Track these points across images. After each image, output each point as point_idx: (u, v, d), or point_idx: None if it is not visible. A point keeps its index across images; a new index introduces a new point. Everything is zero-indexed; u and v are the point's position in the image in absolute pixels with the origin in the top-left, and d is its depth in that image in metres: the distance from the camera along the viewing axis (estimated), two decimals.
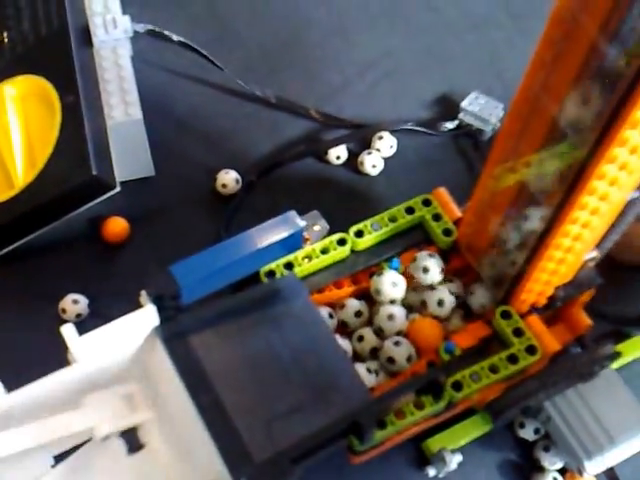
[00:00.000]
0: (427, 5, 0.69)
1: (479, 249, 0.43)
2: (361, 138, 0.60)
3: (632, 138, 0.30)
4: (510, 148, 0.36)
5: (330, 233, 0.53)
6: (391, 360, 0.42)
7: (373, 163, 0.59)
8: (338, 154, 0.59)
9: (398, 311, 0.44)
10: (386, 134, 0.60)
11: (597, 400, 0.45)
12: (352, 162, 0.60)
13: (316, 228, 0.54)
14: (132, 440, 0.35)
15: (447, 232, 0.45)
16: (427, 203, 0.46)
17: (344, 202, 0.58)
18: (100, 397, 0.35)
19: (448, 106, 0.62)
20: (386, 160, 0.60)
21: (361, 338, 0.44)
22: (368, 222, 0.45)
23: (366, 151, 0.59)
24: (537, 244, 0.37)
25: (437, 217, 0.45)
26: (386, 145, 0.60)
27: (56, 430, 0.33)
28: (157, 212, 0.57)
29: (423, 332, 0.43)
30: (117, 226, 0.54)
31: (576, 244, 0.36)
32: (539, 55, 0.32)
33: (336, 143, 0.59)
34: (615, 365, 0.47)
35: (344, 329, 0.44)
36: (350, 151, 0.60)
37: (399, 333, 0.43)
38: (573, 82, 0.31)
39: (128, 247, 0.55)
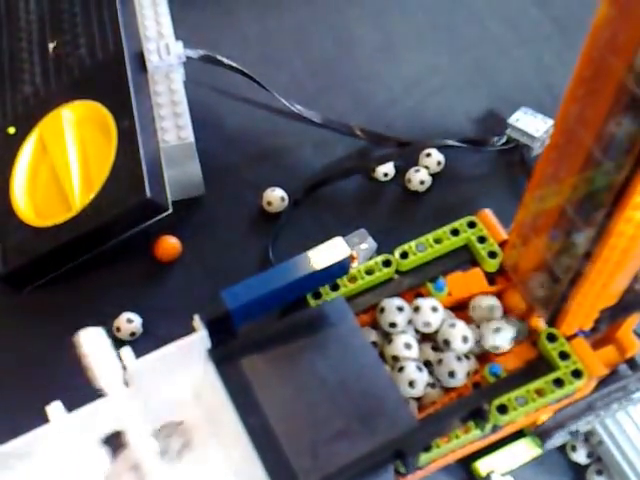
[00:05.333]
0: (473, 20, 0.68)
1: (525, 271, 0.43)
2: (408, 155, 0.60)
3: None
4: (549, 174, 0.36)
5: (378, 251, 0.54)
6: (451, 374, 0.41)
7: (421, 180, 0.59)
8: (385, 171, 0.59)
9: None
10: (434, 151, 0.60)
11: None
12: (400, 179, 0.59)
13: (363, 246, 0.54)
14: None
15: (492, 254, 0.44)
16: (472, 225, 0.45)
17: (392, 219, 0.58)
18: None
19: (496, 122, 0.62)
20: (434, 176, 0.59)
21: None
22: (413, 243, 0.45)
23: (414, 168, 0.59)
24: (579, 268, 0.36)
25: (482, 239, 0.45)
26: (434, 162, 0.59)
27: None
28: (206, 230, 0.58)
29: None
30: (169, 245, 0.56)
31: (620, 268, 0.36)
32: (572, 91, 0.32)
33: (383, 160, 0.59)
34: None
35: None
36: (397, 168, 0.60)
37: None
38: (605, 116, 0.31)
39: (178, 264, 0.56)
